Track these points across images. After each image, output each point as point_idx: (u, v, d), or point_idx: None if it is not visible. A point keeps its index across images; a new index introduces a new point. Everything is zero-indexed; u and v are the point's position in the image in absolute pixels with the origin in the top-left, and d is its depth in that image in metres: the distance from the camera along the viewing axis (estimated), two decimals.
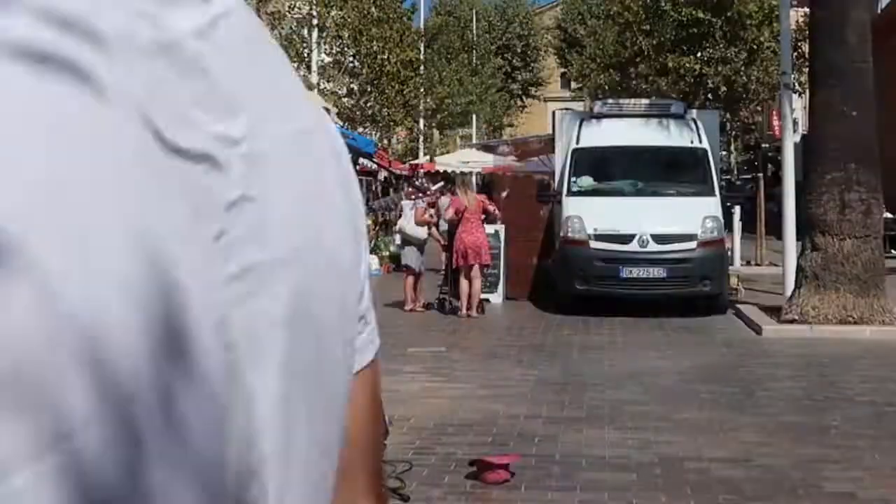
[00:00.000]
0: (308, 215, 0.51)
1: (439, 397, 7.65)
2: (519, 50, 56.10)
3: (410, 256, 13.36)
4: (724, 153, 24.10)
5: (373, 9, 23.40)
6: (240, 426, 0.45)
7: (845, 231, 11.35)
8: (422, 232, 13.50)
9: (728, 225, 15.52)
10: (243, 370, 0.45)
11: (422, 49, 31.14)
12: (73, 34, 0.39)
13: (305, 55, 21.67)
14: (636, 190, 13.57)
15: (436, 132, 37.82)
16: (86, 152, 0.39)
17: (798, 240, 12.71)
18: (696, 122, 14.14)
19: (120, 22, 0.41)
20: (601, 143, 13.93)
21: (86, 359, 0.38)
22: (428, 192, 15.36)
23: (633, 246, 12.47)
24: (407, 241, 13.61)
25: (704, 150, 13.70)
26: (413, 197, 14.97)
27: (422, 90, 29.70)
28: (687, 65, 21.80)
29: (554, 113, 16.38)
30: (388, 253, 19.87)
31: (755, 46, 21.75)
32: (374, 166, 22.98)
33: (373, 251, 19.25)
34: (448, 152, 36.81)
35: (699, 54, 22.59)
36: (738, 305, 12.98)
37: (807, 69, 14.68)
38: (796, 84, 18.19)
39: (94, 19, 0.40)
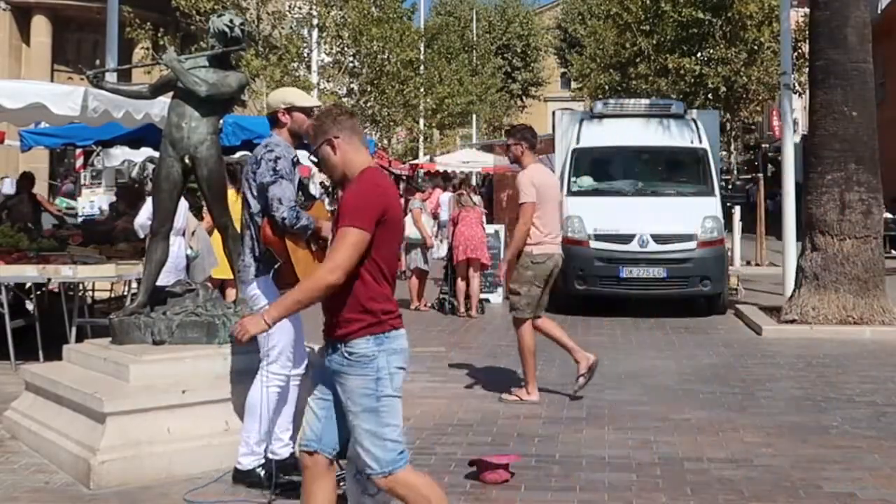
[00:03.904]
0: None
1: (439, 397, 7.65)
2: (519, 50, 56.04)
3: (417, 258, 13.38)
4: (724, 153, 24.04)
5: (373, 9, 23.38)
6: None
7: (845, 231, 11.34)
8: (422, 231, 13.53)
9: (728, 225, 15.52)
10: None
11: (422, 49, 31.11)
12: None
13: (305, 55, 21.65)
14: (636, 190, 13.57)
15: (436, 132, 37.80)
16: None
17: (798, 240, 12.71)
18: (696, 122, 14.14)
19: None
20: (601, 142, 13.93)
21: None
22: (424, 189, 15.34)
23: (633, 246, 12.47)
24: (411, 244, 13.61)
25: (704, 150, 13.70)
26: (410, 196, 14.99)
27: (422, 90, 29.67)
28: (687, 65, 21.77)
29: (554, 113, 16.37)
30: None
31: (755, 47, 21.73)
32: None
33: None
34: (448, 152, 36.78)
35: (699, 55, 22.57)
36: (738, 305, 12.98)
37: (807, 69, 14.67)
38: (796, 84, 18.19)
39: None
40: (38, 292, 9.58)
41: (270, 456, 5.26)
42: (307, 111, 5.21)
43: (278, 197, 4.94)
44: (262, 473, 5.19)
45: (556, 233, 7.60)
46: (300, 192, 5.26)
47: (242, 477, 5.23)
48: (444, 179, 21.16)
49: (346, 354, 3.62)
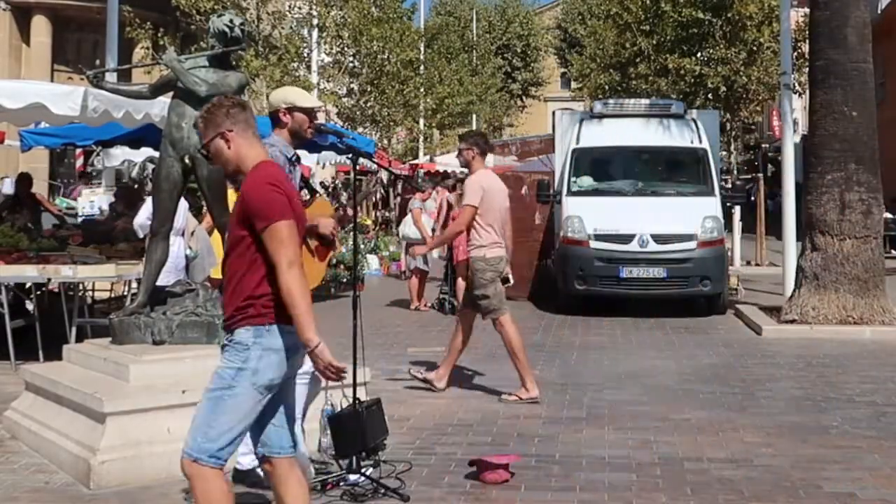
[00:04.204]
0: None
1: (439, 397, 7.65)
2: (519, 50, 55.98)
3: (417, 258, 13.36)
4: (724, 153, 23.99)
5: (373, 9, 23.36)
6: None
7: (845, 231, 11.34)
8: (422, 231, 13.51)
9: (728, 225, 15.52)
10: None
11: (422, 49, 31.08)
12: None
13: (305, 55, 21.62)
14: (636, 190, 13.57)
15: (436, 132, 37.77)
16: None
17: (798, 240, 12.71)
18: (696, 122, 14.14)
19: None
20: (601, 143, 13.93)
21: None
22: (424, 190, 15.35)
23: (633, 246, 12.47)
24: (411, 244, 13.59)
25: (704, 150, 13.70)
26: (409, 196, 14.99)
27: (422, 90, 29.63)
28: (687, 65, 21.75)
29: (554, 113, 16.37)
30: (388, 253, 19.86)
31: (755, 47, 21.70)
32: (374, 166, 22.96)
33: (373, 251, 19.24)
34: (448, 152, 36.74)
35: (699, 55, 22.54)
36: (738, 305, 12.98)
37: (807, 69, 14.67)
38: (796, 84, 18.18)
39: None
40: (38, 292, 9.58)
41: None
42: (308, 111, 5.21)
43: None
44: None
45: (502, 235, 7.61)
46: (303, 189, 5.27)
47: (242, 477, 5.23)
48: (444, 179, 21.16)
49: (226, 341, 3.59)
